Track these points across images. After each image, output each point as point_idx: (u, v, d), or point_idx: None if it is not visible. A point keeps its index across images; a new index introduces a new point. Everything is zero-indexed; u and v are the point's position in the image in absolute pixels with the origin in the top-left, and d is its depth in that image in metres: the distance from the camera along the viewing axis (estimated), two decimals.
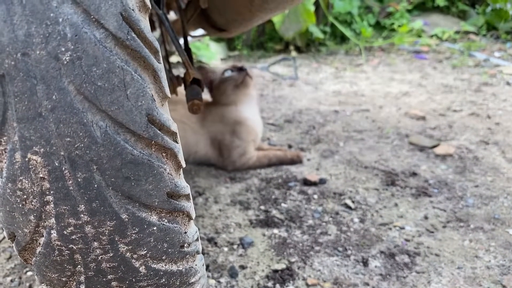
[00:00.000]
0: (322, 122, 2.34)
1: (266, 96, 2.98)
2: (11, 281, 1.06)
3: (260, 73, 3.70)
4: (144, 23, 0.48)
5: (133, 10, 0.47)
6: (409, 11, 4.93)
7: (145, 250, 0.54)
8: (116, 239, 0.52)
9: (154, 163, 0.51)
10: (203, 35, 1.75)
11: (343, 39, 4.83)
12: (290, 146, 1.99)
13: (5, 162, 0.47)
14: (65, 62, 0.44)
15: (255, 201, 1.45)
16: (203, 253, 1.16)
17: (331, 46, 4.70)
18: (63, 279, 0.55)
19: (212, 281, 1.05)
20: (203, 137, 1.76)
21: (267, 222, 1.31)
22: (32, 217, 0.50)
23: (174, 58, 4.01)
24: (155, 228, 0.54)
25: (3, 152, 0.47)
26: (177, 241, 0.57)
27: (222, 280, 1.05)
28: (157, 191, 0.52)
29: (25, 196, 0.48)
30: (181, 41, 1.22)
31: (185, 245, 0.59)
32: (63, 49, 0.44)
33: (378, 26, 4.93)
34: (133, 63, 0.47)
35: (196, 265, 0.63)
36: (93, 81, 0.45)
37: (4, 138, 0.46)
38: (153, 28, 1.82)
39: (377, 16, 4.97)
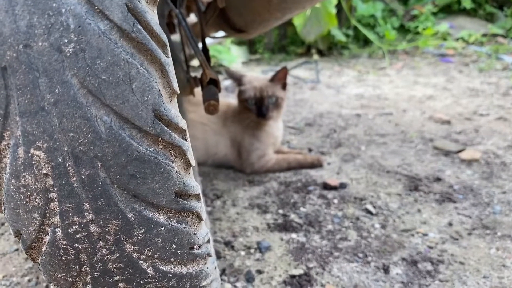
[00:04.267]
0: (344, 126, 2.30)
1: (287, 100, 2.95)
2: (29, 281, 1.07)
3: None
4: (151, 14, 0.46)
5: (139, 1, 0.45)
6: (434, 14, 4.84)
7: (152, 251, 0.52)
8: (122, 239, 0.50)
9: (161, 161, 0.49)
10: (223, 37, 1.75)
11: (366, 42, 4.78)
12: (310, 150, 1.96)
13: (9, 158, 0.46)
14: (68, 54, 0.43)
15: (273, 205, 1.43)
16: (219, 257, 1.14)
17: (354, 49, 4.65)
18: (70, 279, 0.54)
19: (228, 285, 1.03)
20: (223, 138, 1.75)
21: (285, 226, 1.28)
22: (36, 215, 0.48)
23: (196, 62, 4.03)
24: (162, 228, 0.52)
25: (6, 147, 0.46)
26: (186, 242, 0.55)
27: (238, 284, 1.03)
28: (164, 190, 0.50)
29: (29, 193, 0.47)
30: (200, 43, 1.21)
31: (195, 246, 0.57)
32: (66, 40, 0.42)
33: (402, 29, 4.85)
34: (139, 56, 0.46)
35: (207, 268, 0.60)
36: (97, 74, 0.43)
37: (7, 132, 0.45)
38: (173, 30, 1.82)
39: (401, 19, 4.90)
